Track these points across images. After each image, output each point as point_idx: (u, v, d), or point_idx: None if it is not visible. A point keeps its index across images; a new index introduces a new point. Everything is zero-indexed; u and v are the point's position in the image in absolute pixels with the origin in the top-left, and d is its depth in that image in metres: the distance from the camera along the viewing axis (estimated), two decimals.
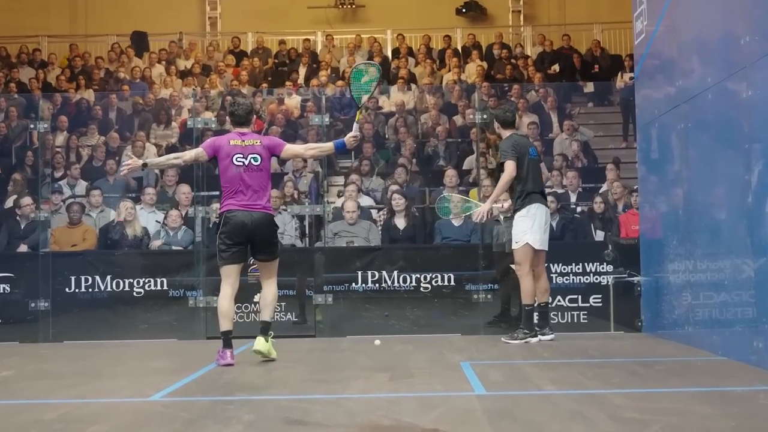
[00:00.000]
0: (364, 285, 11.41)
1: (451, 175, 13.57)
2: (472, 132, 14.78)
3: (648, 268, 10.68)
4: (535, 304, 10.06)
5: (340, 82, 19.15)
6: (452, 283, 11.31)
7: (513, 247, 9.96)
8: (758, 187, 7.43)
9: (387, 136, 16.20)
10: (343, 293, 11.41)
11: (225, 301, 8.65)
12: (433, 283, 11.36)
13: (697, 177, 9.04)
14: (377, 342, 9.21)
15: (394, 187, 13.12)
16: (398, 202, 12.34)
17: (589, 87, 17.68)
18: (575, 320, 11.24)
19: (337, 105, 16.96)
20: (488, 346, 9.76)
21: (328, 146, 9.04)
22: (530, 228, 9.86)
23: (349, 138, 8.90)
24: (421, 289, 11.37)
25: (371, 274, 11.41)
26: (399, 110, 16.37)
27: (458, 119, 16.19)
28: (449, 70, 19.96)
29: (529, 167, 10.02)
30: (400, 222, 12.31)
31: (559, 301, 11.23)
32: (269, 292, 8.85)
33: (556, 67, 20.43)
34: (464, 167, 14.99)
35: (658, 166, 10.43)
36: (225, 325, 8.63)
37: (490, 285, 11.29)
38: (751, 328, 7.57)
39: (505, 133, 10.19)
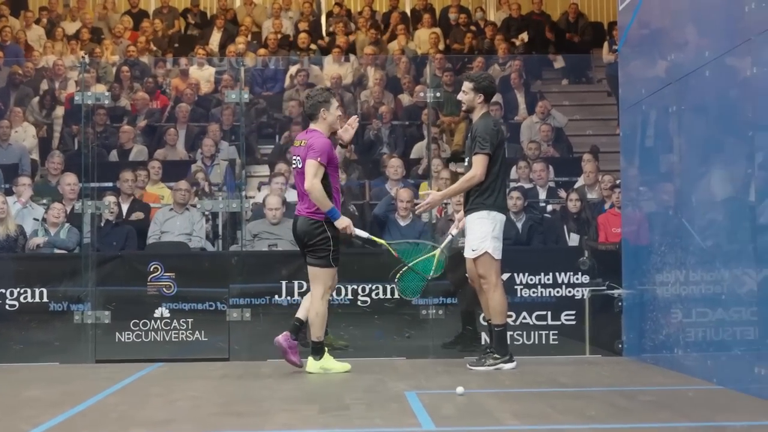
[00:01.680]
0: (289, 298, 11.38)
1: (396, 166, 13.60)
2: (423, 113, 14.83)
3: (631, 280, 10.78)
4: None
5: (262, 51, 19.10)
6: (396, 295, 11.29)
7: (468, 255, 9.93)
8: (762, 183, 7.53)
9: None
10: (263, 307, 11.36)
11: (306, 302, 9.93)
12: (374, 295, 11.36)
13: (690, 170, 9.14)
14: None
15: None
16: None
17: (563, 61, 17.82)
18: (543, 341, 11.31)
19: (258, 78, 16.95)
20: (439, 372, 9.79)
21: (324, 205, 9.58)
22: (490, 233, 9.81)
23: (343, 225, 9.66)
24: (359, 302, 11.36)
25: (298, 284, 11.35)
26: (334, 85, 16.34)
27: (406, 98, 16.22)
28: (395, 38, 19.99)
29: (503, 161, 9.98)
30: None
31: (524, 318, 11.28)
32: (310, 306, 9.76)
33: (524, 36, 20.55)
34: (412, 156, 15.04)
35: (644, 156, 10.53)
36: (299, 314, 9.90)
37: (442, 298, 11.32)
38: (753, 351, 7.68)
39: (481, 110, 10.02)
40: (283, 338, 9.77)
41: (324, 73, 17.08)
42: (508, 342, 10.11)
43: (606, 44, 18.85)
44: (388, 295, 11.33)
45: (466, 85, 10.02)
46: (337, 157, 9.99)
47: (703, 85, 8.78)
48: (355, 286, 11.35)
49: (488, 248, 9.76)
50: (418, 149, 15.07)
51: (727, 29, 8.28)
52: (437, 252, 10.08)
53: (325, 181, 9.57)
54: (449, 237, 10.30)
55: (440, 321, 11.32)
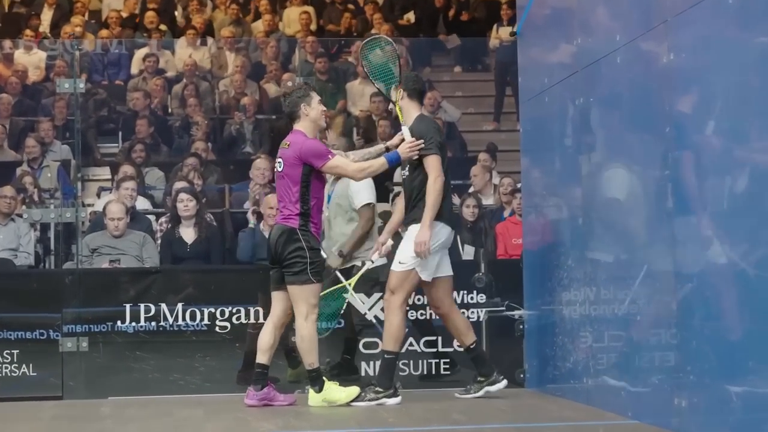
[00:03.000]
0: (134, 323, 11.26)
1: (263, 168, 13.51)
2: None
3: (534, 299, 10.87)
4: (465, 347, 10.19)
5: (104, 32, 18.91)
6: (262, 319, 11.25)
7: (393, 268, 9.97)
8: (680, 187, 7.63)
9: (170, 110, 16.10)
10: (104, 335, 11.23)
11: (261, 333, 10.06)
12: (234, 320, 11.29)
13: (600, 172, 9.24)
14: None
15: (180, 184, 13.01)
16: (186, 205, 12.24)
17: (455, 42, 17.92)
18: (429, 370, 11.36)
19: (98, 64, 16.77)
20: (311, 408, 9.75)
21: (380, 162, 10.03)
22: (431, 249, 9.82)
23: (404, 148, 9.83)
24: (217, 329, 11.30)
25: (145, 307, 11.26)
26: (188, 73, 16.27)
27: (272, 87, 16.18)
28: (259, 18, 19.93)
29: (448, 164, 10.07)
30: (188, 233, 12.22)
31: (410, 344, 11.30)
32: (296, 331, 9.84)
33: (410, 16, 20.66)
34: None
35: (547, 156, 10.62)
36: (258, 358, 9.98)
37: (326, 323, 11.25)
38: (672, 380, 7.77)
39: (413, 110, 10.11)
40: (249, 398, 9.89)
41: (176, 59, 16.98)
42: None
43: (495, 26, 18.99)
44: (252, 319, 11.27)
45: (392, 90, 10.20)
46: None
47: (614, 73, 8.89)
48: (213, 309, 11.28)
49: (417, 266, 9.83)
50: None
51: (641, 9, 8.38)
52: (351, 284, 10.42)
53: (306, 189, 9.77)
54: (368, 264, 10.34)
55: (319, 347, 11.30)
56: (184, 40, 17.77)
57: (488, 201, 13.39)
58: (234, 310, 11.27)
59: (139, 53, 16.85)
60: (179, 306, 11.29)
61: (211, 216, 12.85)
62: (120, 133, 15.72)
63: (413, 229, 9.89)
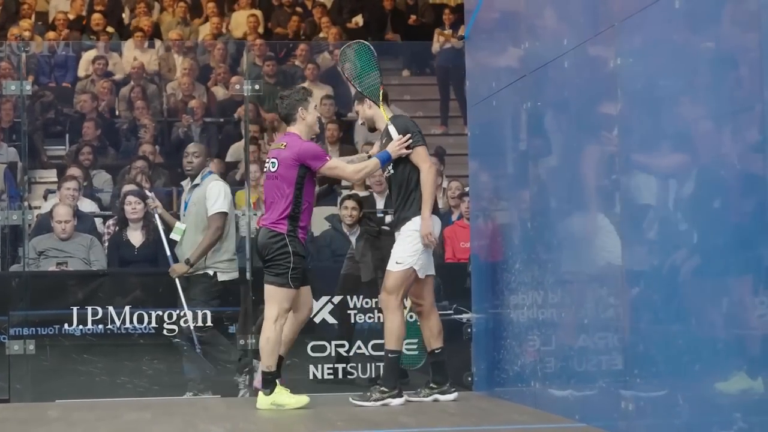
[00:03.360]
0: (82, 326, 11.22)
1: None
2: (240, 109, 14.78)
3: (481, 302, 10.87)
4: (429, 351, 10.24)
5: (51, 34, 18.80)
6: (209, 322, 11.23)
7: (390, 269, 9.98)
8: (628, 191, 7.65)
9: (118, 113, 16.01)
10: (51, 338, 11.21)
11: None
12: (182, 323, 11.26)
13: (548, 176, 9.26)
14: None
15: (128, 187, 12.94)
16: (134, 207, 12.17)
17: (404, 48, 17.93)
18: (379, 374, 11.33)
19: (45, 67, 16.66)
20: (258, 411, 9.72)
21: (374, 163, 10.14)
22: (421, 250, 9.90)
23: (394, 146, 9.95)
24: (165, 331, 11.26)
25: (92, 310, 11.23)
26: (135, 75, 16.19)
27: (220, 90, 16.13)
28: (207, 20, 19.88)
29: None
30: (136, 236, 12.15)
31: (359, 347, 11.31)
32: (261, 331, 9.88)
33: (358, 20, 20.65)
34: (228, 158, 14.95)
35: (495, 159, 10.63)
36: None
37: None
38: (619, 383, 7.79)
39: (377, 111, 10.28)
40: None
41: (123, 61, 16.89)
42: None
43: (437, 30, 19.01)
44: (200, 322, 11.24)
45: (356, 106, 10.54)
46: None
47: (561, 77, 8.90)
48: (161, 312, 11.24)
49: (415, 264, 9.89)
50: (234, 150, 14.96)
51: (589, 14, 8.40)
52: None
53: (299, 192, 9.77)
54: None
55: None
56: (131, 43, 17.69)
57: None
58: (182, 313, 11.23)
59: (87, 55, 16.73)
60: (126, 309, 11.27)
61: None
62: (67, 136, 15.61)
63: (407, 228, 9.95)
